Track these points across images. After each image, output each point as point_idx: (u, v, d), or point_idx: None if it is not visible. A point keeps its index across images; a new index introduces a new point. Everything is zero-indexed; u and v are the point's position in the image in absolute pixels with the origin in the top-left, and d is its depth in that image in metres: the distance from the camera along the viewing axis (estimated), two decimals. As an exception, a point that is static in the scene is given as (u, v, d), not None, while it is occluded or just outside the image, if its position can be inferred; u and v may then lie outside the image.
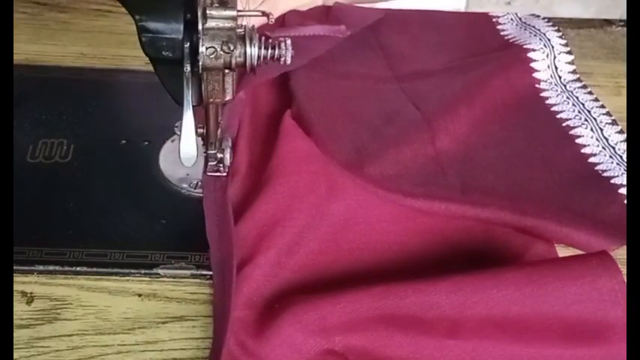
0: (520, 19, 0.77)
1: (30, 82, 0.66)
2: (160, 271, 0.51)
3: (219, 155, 0.56)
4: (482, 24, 0.77)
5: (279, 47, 0.50)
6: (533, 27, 0.74)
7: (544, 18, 0.75)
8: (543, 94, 0.68)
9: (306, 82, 0.65)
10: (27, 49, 0.70)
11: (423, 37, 0.75)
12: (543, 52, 0.70)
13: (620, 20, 0.79)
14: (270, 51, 0.50)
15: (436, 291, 0.46)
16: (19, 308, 0.48)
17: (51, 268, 0.50)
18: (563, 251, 0.54)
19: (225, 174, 0.56)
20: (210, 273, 0.51)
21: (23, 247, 0.51)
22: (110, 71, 0.68)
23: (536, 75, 0.69)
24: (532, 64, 0.69)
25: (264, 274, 0.50)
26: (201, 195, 0.55)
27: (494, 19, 0.77)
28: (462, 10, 0.82)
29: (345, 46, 0.71)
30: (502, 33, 0.76)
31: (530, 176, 0.60)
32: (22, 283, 0.50)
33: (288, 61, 0.51)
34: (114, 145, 0.60)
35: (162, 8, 0.45)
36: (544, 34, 0.72)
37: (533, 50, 0.70)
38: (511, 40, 0.73)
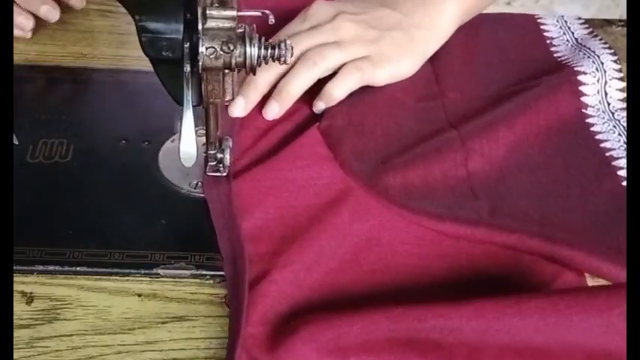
0: (577, 39, 0.73)
1: (30, 82, 0.66)
2: (160, 271, 0.51)
3: (219, 155, 0.56)
4: (535, 42, 0.73)
5: (279, 47, 0.50)
6: (589, 49, 0.69)
7: (600, 39, 0.71)
8: (589, 121, 0.64)
9: (347, 99, 0.63)
10: (27, 49, 0.70)
11: (475, 53, 0.72)
12: (594, 77, 0.66)
13: (620, 20, 0.79)
14: (270, 51, 0.50)
15: (457, 316, 0.44)
16: (19, 308, 0.48)
17: (51, 268, 0.50)
18: (592, 282, 0.52)
19: (225, 174, 0.56)
20: (211, 273, 0.51)
21: (23, 247, 0.51)
22: (110, 71, 0.68)
23: (584, 99, 0.65)
24: (581, 88, 0.65)
25: (280, 291, 0.48)
26: (201, 195, 0.55)
27: (547, 41, 0.73)
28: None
29: None
30: (555, 55, 0.71)
31: (566, 206, 0.56)
32: (22, 283, 0.50)
33: (288, 61, 0.51)
34: (114, 145, 0.60)
35: (162, 8, 0.45)
36: (598, 57, 0.67)
37: (584, 74, 0.66)
38: (563, 62, 0.70)
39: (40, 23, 0.71)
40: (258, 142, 0.60)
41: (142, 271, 0.51)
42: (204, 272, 0.51)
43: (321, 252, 0.51)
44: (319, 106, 0.63)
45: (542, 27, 0.75)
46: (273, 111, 0.62)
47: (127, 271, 0.51)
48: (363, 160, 0.59)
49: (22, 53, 0.69)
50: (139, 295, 0.50)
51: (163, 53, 0.46)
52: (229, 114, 0.61)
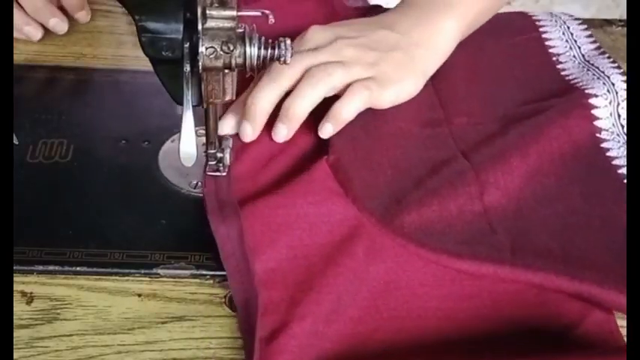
0: (583, 55, 0.71)
1: (30, 82, 0.66)
2: (160, 271, 0.51)
3: (219, 155, 0.56)
4: (541, 60, 0.71)
5: (279, 47, 0.50)
6: (597, 68, 0.68)
7: (609, 57, 0.69)
8: (604, 145, 0.62)
9: (349, 131, 0.60)
10: (27, 49, 0.70)
11: (478, 73, 0.69)
12: (606, 99, 0.63)
13: (620, 20, 0.79)
14: (270, 51, 0.50)
15: None
16: (19, 308, 0.48)
17: (51, 268, 0.50)
18: (622, 321, 0.50)
19: (224, 174, 0.56)
20: (211, 273, 0.51)
21: (23, 247, 0.51)
22: (110, 71, 0.68)
23: (597, 123, 0.63)
24: (593, 112, 0.63)
25: (300, 346, 0.46)
26: (201, 195, 0.55)
27: (554, 58, 0.71)
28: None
29: None
30: (563, 73, 0.69)
31: (588, 237, 0.54)
32: (22, 283, 0.50)
33: (288, 61, 0.51)
34: (114, 145, 0.60)
35: (162, 8, 0.45)
36: (608, 77, 0.65)
37: (596, 96, 0.63)
38: (572, 82, 0.67)
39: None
40: (263, 170, 0.58)
41: (142, 271, 0.51)
42: (204, 272, 0.51)
43: (338, 300, 0.49)
44: (327, 128, 0.59)
45: (547, 43, 0.73)
46: (281, 133, 0.59)
47: (126, 271, 0.51)
48: (374, 195, 0.56)
49: (22, 53, 0.69)
50: (139, 295, 0.50)
51: (163, 53, 0.46)
52: (241, 138, 0.59)
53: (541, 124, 0.61)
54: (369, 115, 0.61)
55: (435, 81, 0.66)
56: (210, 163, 0.56)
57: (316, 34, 0.63)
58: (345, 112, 0.59)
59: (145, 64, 0.49)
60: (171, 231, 0.54)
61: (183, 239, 0.53)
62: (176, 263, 0.51)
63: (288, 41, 0.51)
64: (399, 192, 0.56)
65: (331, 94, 0.60)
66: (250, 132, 0.59)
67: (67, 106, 0.64)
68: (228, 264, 0.50)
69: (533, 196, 0.57)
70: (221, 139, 0.57)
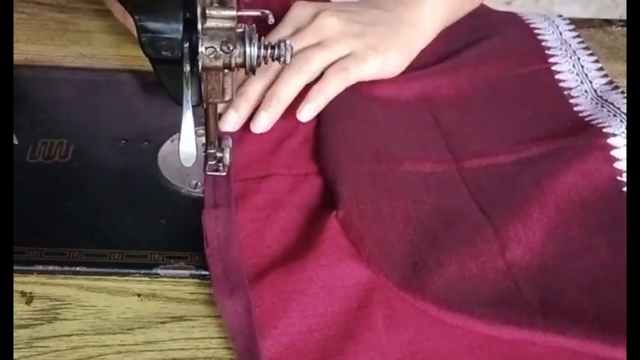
0: (595, 90, 0.67)
1: (30, 82, 0.66)
2: (160, 271, 0.51)
3: (219, 154, 0.56)
4: (552, 94, 0.68)
5: (279, 47, 0.50)
6: (612, 104, 0.64)
7: (622, 91, 0.66)
8: (626, 189, 0.58)
9: (355, 181, 0.56)
10: (27, 49, 0.70)
11: (485, 110, 0.66)
12: (625, 137, 0.60)
13: (620, 20, 0.79)
14: (269, 51, 0.50)
15: None
16: (19, 308, 0.48)
17: (50, 268, 0.50)
18: None
19: (224, 174, 0.56)
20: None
21: (23, 247, 0.51)
22: (110, 71, 0.68)
23: (617, 165, 0.58)
24: (613, 153, 0.59)
25: None
26: (201, 195, 0.55)
27: (565, 92, 0.67)
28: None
29: (395, 121, 0.62)
30: (576, 109, 0.66)
31: (620, 293, 0.50)
32: (21, 283, 0.50)
33: (288, 61, 0.51)
34: (114, 145, 0.60)
35: (162, 8, 0.45)
36: (623, 114, 0.62)
37: (614, 135, 0.60)
38: (587, 119, 0.63)
39: (40, 23, 0.71)
40: (269, 229, 0.54)
41: (142, 271, 0.51)
42: (203, 272, 0.51)
43: None
44: (307, 109, 0.59)
45: (557, 76, 0.70)
46: (263, 122, 0.59)
47: (126, 271, 0.51)
48: (389, 252, 0.52)
49: (22, 53, 0.69)
50: (139, 295, 0.50)
51: (163, 53, 0.46)
52: (220, 128, 0.59)
53: (558, 170, 0.58)
54: (374, 157, 0.58)
55: (440, 121, 0.64)
56: (210, 163, 0.56)
57: (300, 10, 0.65)
58: (323, 96, 0.60)
59: (145, 64, 0.49)
60: (171, 231, 0.54)
61: (183, 239, 0.53)
62: (176, 263, 0.51)
63: (288, 41, 0.51)
64: (414, 250, 0.52)
65: (314, 78, 0.61)
66: (235, 119, 0.60)
67: (67, 106, 0.64)
68: (237, 343, 0.46)
69: (557, 251, 0.53)
70: (221, 139, 0.57)
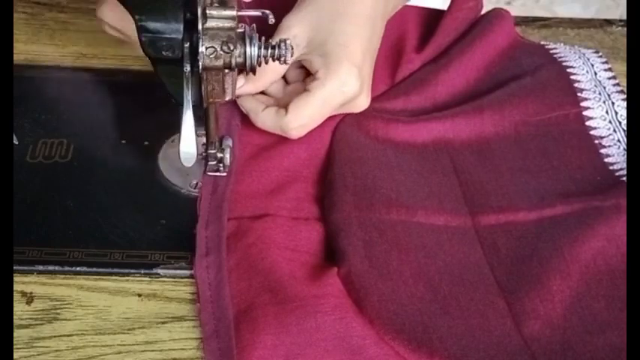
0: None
1: (30, 82, 0.66)
2: (160, 271, 0.51)
3: (219, 155, 0.56)
4: (581, 145, 0.62)
5: (279, 47, 0.50)
6: None
7: None
8: None
9: (363, 232, 0.53)
10: (27, 49, 0.70)
11: (508, 157, 0.61)
12: None
13: (620, 20, 0.79)
14: (270, 51, 0.50)
15: None
16: (19, 308, 0.48)
17: (51, 268, 0.50)
18: None
19: (224, 174, 0.56)
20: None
21: (23, 247, 0.51)
22: (110, 71, 0.68)
23: None
24: None
25: None
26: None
27: (596, 141, 0.62)
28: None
29: (410, 166, 0.59)
30: (607, 160, 0.60)
31: None
32: (21, 283, 0.50)
33: (289, 62, 0.51)
34: (114, 145, 0.60)
35: (162, 8, 0.45)
36: None
37: None
38: (617, 173, 0.59)
39: (39, 23, 0.71)
40: (264, 280, 0.50)
41: (142, 271, 0.51)
42: (204, 272, 0.51)
43: None
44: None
45: (588, 123, 0.64)
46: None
47: (126, 271, 0.51)
48: (396, 312, 0.48)
49: (22, 53, 0.69)
50: (139, 295, 0.50)
51: (163, 53, 0.46)
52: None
53: (583, 235, 0.53)
54: (384, 206, 0.55)
55: (459, 167, 0.60)
56: (210, 163, 0.56)
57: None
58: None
59: (145, 64, 0.49)
60: (171, 231, 0.54)
61: (183, 239, 0.53)
62: (176, 263, 0.51)
63: (289, 41, 0.51)
64: (424, 309, 0.49)
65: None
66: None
67: (67, 106, 0.64)
68: None
69: (581, 325, 0.49)
70: (221, 139, 0.57)
